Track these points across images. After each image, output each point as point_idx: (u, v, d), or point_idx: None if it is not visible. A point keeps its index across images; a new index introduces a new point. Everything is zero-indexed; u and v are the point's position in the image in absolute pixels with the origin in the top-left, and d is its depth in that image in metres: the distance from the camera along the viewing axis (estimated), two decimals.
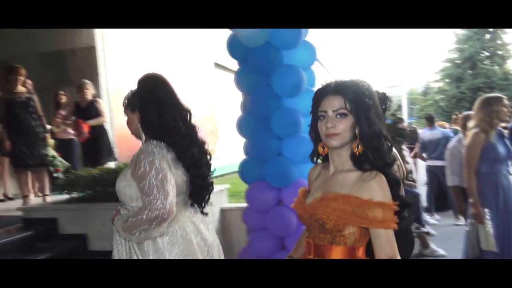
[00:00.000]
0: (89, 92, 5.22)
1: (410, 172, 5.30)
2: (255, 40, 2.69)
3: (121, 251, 1.81)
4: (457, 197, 3.92)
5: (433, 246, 4.76)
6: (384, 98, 2.30)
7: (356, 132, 1.34)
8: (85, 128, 4.99)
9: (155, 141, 1.82)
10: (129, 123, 1.93)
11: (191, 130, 1.92)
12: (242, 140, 3.10)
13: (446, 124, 9.07)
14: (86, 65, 6.60)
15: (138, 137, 1.90)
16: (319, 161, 1.53)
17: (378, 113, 1.38)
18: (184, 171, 1.86)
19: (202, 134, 2.02)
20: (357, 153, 1.34)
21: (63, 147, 5.55)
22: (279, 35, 2.69)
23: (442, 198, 6.28)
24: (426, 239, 4.80)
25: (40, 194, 5.00)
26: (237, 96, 3.43)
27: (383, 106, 2.26)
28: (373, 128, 1.34)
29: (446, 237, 5.07)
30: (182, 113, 1.91)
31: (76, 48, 6.66)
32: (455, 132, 6.53)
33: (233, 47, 2.89)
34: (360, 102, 1.33)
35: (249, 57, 2.75)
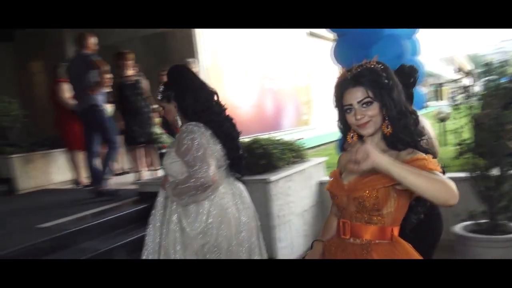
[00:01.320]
0: (193, 70, 5.47)
1: None
2: None
3: (162, 213, 2.10)
4: None
5: None
6: (411, 71, 2.13)
7: (384, 114, 1.40)
8: None
9: (193, 122, 2.05)
10: (167, 113, 2.19)
11: (222, 108, 2.16)
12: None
13: None
14: (185, 44, 6.90)
15: (176, 125, 2.15)
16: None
17: (399, 90, 1.42)
18: (221, 146, 2.08)
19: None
20: (388, 133, 1.40)
21: (167, 125, 5.92)
22: None
23: None
24: None
25: (151, 168, 5.43)
26: (332, 65, 3.32)
27: (411, 80, 2.10)
28: (399, 107, 1.39)
29: None
30: (212, 94, 2.16)
31: (176, 29, 6.97)
32: None
33: None
34: (381, 85, 1.38)
35: (348, 29, 2.64)
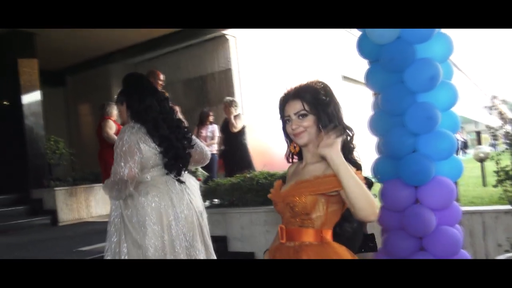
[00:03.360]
0: (234, 109, 5.74)
1: None
2: (386, 36, 2.66)
3: (114, 206, 2.29)
4: None
5: None
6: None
7: (319, 126, 1.55)
8: None
9: (131, 122, 2.28)
10: (121, 114, 2.44)
11: (165, 110, 2.36)
12: (369, 152, 3.02)
13: None
14: (224, 86, 7.20)
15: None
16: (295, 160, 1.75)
17: (336, 107, 1.60)
18: (156, 145, 2.25)
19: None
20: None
21: None
22: (411, 29, 2.61)
23: None
24: None
25: None
26: (366, 108, 3.38)
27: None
28: (333, 122, 1.53)
29: None
30: (160, 98, 2.37)
31: (215, 72, 7.33)
32: None
33: (363, 46, 2.89)
34: (317, 101, 1.56)
35: (380, 54, 2.72)
